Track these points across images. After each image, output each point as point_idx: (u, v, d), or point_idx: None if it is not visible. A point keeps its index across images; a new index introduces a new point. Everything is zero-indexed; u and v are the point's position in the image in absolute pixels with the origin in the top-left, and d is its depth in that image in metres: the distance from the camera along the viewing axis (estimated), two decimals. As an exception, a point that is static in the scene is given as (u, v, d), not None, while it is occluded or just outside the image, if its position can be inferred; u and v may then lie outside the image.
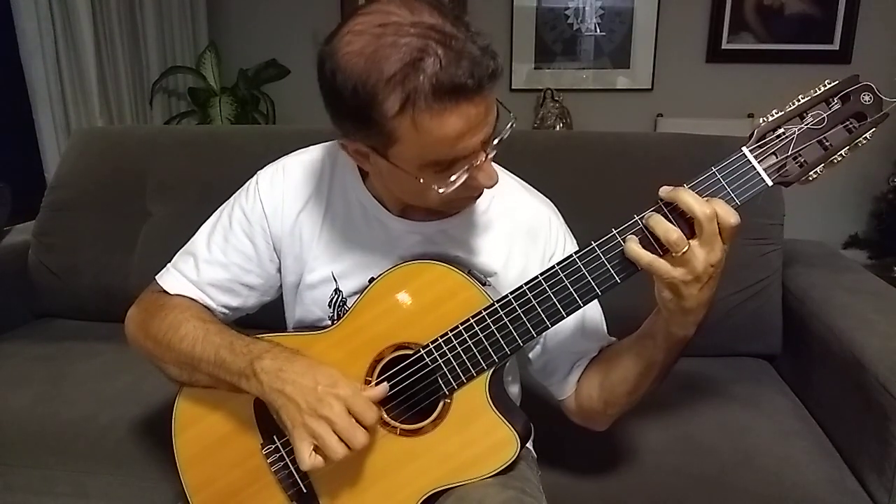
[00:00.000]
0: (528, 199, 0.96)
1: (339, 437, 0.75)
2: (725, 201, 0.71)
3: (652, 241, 0.72)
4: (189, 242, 0.97)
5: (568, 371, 0.93)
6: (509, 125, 0.77)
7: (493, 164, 0.77)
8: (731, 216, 0.69)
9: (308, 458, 0.76)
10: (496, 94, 0.78)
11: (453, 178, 0.74)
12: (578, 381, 0.93)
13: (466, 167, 0.74)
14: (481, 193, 0.83)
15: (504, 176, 0.95)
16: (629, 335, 0.87)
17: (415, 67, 0.66)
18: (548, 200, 0.98)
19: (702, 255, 0.70)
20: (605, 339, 0.94)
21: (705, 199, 0.70)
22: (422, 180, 0.74)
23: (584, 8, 3.17)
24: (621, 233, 0.74)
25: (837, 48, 3.04)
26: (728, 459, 1.12)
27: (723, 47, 3.13)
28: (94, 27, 2.55)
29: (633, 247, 0.72)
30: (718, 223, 0.69)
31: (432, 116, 0.68)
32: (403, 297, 0.85)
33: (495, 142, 0.76)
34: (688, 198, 0.69)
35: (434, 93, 0.66)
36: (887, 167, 2.99)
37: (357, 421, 0.77)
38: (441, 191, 0.75)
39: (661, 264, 0.71)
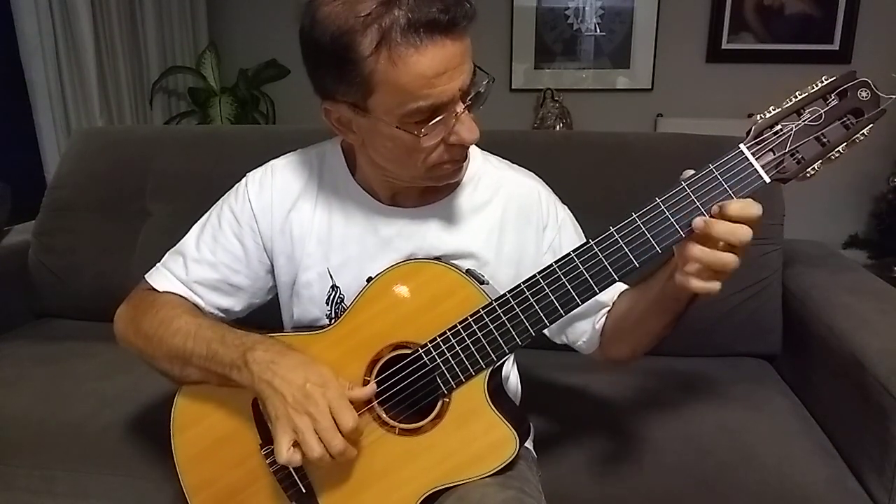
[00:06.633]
0: (515, 176, 0.96)
1: (319, 437, 0.76)
2: (723, 199, 0.71)
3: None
4: (179, 243, 0.98)
5: (591, 330, 0.95)
6: (486, 82, 0.78)
7: (474, 121, 0.78)
8: (752, 208, 0.69)
9: (286, 452, 0.76)
10: (496, 96, 0.78)
11: (434, 122, 0.75)
12: (601, 334, 0.94)
13: (445, 115, 0.75)
14: (466, 158, 0.84)
15: (490, 158, 0.97)
16: (642, 285, 0.87)
17: (388, 6, 0.69)
18: (534, 174, 0.99)
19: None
20: (615, 289, 0.94)
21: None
22: (403, 132, 0.75)
23: (584, 8, 3.16)
24: (618, 230, 0.74)
25: (837, 48, 3.03)
26: (728, 459, 1.12)
27: (723, 47, 3.13)
28: (94, 27, 2.54)
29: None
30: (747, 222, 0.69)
31: (407, 51, 0.69)
32: (401, 297, 0.85)
33: (474, 94, 0.77)
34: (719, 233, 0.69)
35: (409, 26, 0.69)
36: (887, 167, 2.98)
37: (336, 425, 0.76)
38: (424, 141, 0.76)
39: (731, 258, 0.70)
